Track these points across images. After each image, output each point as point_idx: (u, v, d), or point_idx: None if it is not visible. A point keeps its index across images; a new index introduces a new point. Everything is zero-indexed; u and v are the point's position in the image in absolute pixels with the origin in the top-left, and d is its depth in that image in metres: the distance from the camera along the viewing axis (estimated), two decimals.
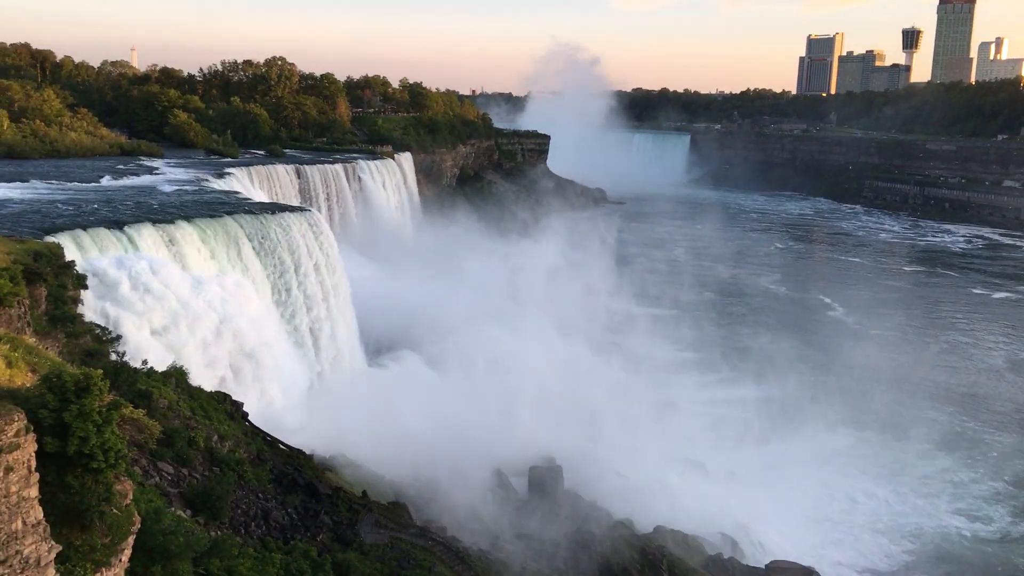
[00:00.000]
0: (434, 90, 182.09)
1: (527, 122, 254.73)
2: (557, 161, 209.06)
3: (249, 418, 36.87)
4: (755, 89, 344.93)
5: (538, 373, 59.12)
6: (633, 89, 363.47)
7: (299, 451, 36.53)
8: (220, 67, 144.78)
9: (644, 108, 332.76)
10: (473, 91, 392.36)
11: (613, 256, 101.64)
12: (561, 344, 67.86)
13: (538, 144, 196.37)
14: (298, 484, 32.84)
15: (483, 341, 63.50)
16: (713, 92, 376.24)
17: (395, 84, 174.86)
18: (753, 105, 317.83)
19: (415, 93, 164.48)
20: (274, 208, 58.27)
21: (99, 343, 32.45)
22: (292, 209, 59.03)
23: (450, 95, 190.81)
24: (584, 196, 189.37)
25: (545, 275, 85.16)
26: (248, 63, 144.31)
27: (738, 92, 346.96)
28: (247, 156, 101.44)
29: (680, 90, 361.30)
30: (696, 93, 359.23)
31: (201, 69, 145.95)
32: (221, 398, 36.29)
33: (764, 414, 67.12)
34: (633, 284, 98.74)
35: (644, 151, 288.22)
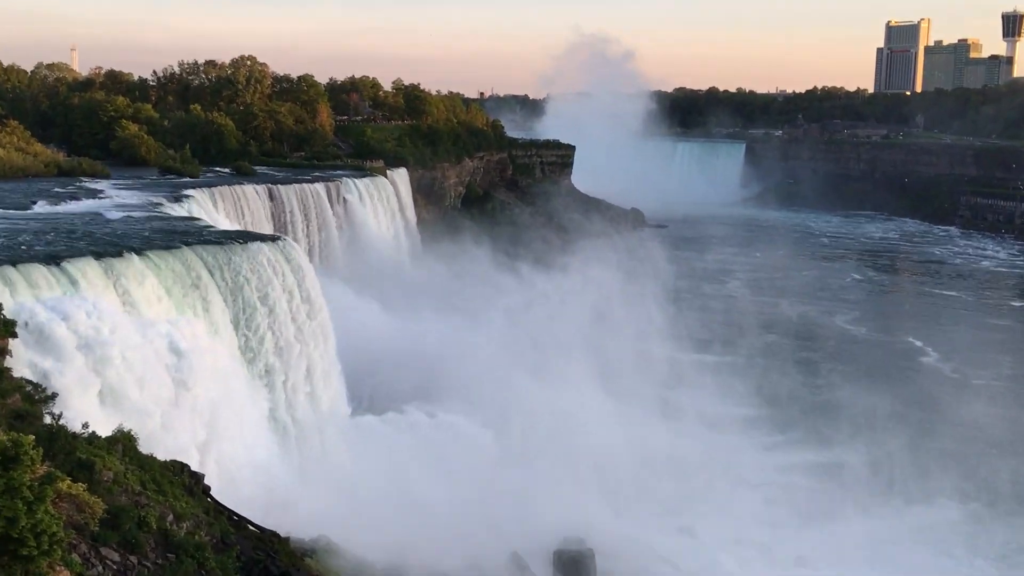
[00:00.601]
0: (434, 93, 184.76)
1: (547, 130, 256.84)
2: (584, 176, 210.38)
3: (211, 493, 36.78)
4: (824, 87, 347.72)
5: (573, 432, 59.12)
6: (675, 89, 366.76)
7: (272, 533, 36.35)
8: (177, 69, 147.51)
9: (689, 111, 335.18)
10: (481, 94, 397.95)
11: (656, 292, 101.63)
12: (596, 396, 67.92)
13: (561, 156, 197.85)
14: (271, 574, 32.63)
15: (505, 394, 63.68)
16: (772, 91, 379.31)
17: (387, 87, 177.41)
18: (822, 106, 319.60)
19: (411, 97, 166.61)
20: (242, 237, 58.65)
21: (30, 403, 32.62)
22: (264, 238, 59.43)
23: (454, 99, 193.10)
24: (618, 219, 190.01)
25: (575, 315, 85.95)
26: (211, 64, 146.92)
27: (803, 91, 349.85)
28: (210, 175, 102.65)
29: (732, 89, 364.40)
30: (752, 93, 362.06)
31: (155, 72, 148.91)
32: (178, 469, 36.24)
33: (841, 484, 66.40)
34: (682, 325, 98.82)
35: (690, 163, 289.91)
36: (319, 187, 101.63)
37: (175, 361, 42.91)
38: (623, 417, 67.57)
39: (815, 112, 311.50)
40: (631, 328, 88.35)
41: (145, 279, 46.38)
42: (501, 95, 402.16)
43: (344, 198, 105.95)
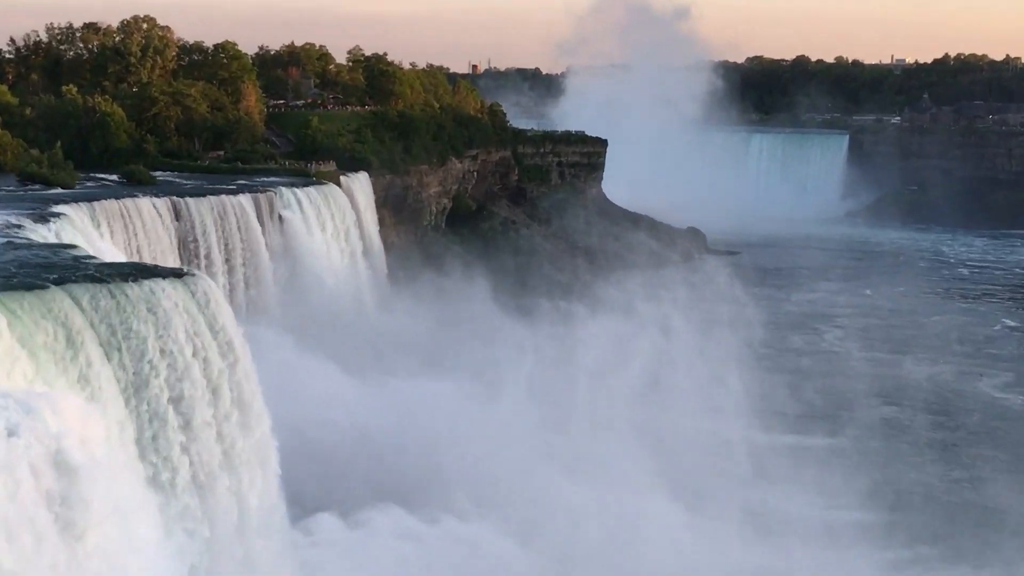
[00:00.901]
0: (407, 67, 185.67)
1: (567, 117, 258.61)
2: (620, 183, 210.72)
3: None
4: (958, 56, 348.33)
5: (627, 548, 58.85)
6: (749, 59, 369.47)
7: None
8: (44, 36, 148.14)
9: (769, 90, 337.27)
10: (474, 67, 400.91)
11: (728, 347, 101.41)
12: (654, 497, 67.61)
13: (587, 155, 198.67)
14: None
15: (530, 493, 63.51)
16: (886, 61, 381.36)
17: (341, 58, 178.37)
18: (956, 83, 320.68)
19: (375, 73, 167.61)
20: (135, 272, 58.37)
21: None
22: (166, 273, 59.13)
23: (435, 75, 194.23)
24: (670, 242, 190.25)
25: (617, 380, 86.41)
26: (92, 28, 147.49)
27: (929, 61, 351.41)
28: (90, 184, 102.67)
29: (829, 59, 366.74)
30: (856, 64, 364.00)
31: (12, 40, 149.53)
32: None
33: None
34: (766, 395, 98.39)
35: (770, 163, 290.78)
36: (245, 200, 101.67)
37: (41, 452, 41.53)
38: (693, 527, 67.04)
39: (947, 90, 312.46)
40: (695, 400, 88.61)
41: None
42: (502, 69, 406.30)
43: (280, 215, 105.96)
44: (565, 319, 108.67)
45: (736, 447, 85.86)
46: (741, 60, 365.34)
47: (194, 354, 54.72)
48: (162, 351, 53.31)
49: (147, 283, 55.33)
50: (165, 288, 55.47)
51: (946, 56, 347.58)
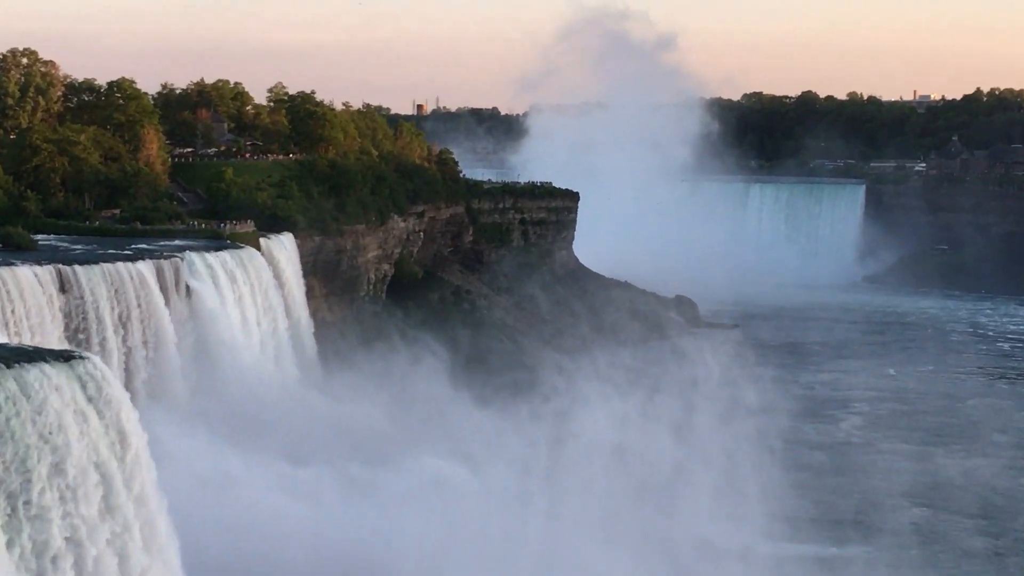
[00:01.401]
0: (339, 107, 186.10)
1: (531, 165, 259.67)
2: (594, 242, 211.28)
3: None
4: (992, 91, 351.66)
5: None
6: (747, 96, 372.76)
7: None
8: None
9: (771, 132, 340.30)
10: (420, 107, 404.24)
11: (726, 439, 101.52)
12: None
13: (554, 210, 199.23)
14: None
15: None
16: (908, 98, 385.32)
17: (260, 97, 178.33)
18: (990, 122, 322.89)
19: (301, 114, 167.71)
20: (12, 356, 58.03)
21: None
22: (49, 356, 58.71)
23: (373, 116, 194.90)
24: (656, 314, 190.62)
25: (600, 481, 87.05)
26: None
27: (958, 97, 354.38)
28: None
29: (841, 95, 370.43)
30: (873, 101, 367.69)
31: None
32: None
33: None
34: (774, 496, 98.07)
35: (774, 218, 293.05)
36: (145, 268, 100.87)
37: None
38: None
39: (980, 131, 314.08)
40: (702, 503, 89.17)
41: None
42: (452, 109, 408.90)
43: (188, 286, 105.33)
44: (534, 408, 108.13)
45: (740, 559, 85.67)
46: (738, 97, 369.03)
47: (82, 451, 54.21)
48: (45, 451, 52.77)
49: (25, 369, 54.87)
50: (48, 374, 55.02)
51: (978, 92, 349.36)
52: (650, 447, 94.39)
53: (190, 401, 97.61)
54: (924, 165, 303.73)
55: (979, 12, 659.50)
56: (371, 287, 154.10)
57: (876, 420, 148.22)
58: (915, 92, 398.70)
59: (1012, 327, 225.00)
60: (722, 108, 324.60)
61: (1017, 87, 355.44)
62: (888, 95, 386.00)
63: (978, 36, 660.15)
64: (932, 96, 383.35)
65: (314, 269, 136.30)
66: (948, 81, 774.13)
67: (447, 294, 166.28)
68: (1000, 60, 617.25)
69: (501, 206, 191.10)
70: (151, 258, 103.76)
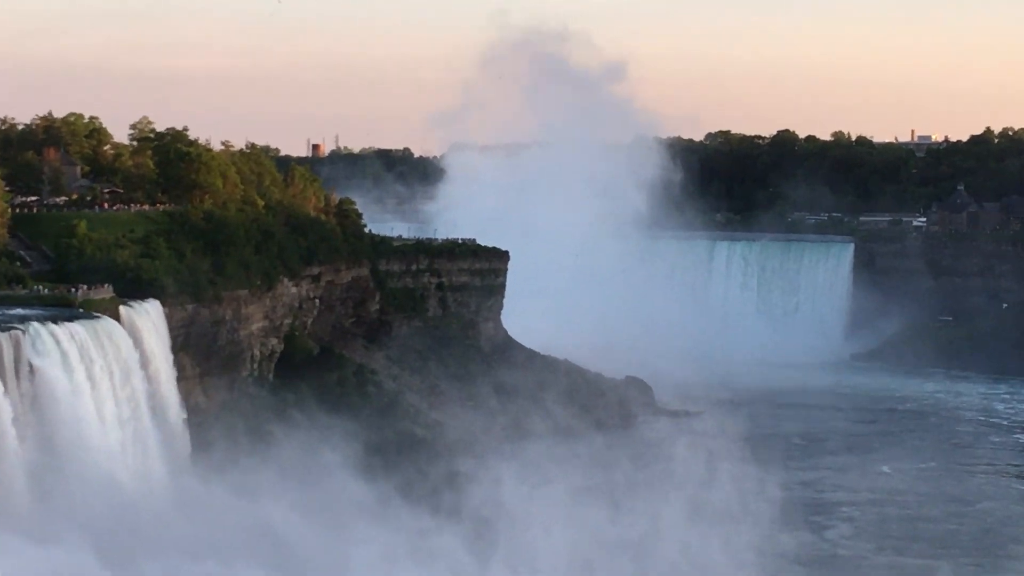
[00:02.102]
0: (218, 147, 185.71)
1: (450, 218, 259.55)
2: (527, 312, 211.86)
3: None
4: (1005, 131, 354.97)
5: None
6: (711, 136, 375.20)
7: None
8: None
9: (740, 179, 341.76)
10: (316, 147, 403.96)
11: (695, 554, 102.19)
12: None
13: (479, 272, 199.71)
14: None
15: None
16: (904, 139, 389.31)
17: (121, 135, 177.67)
18: (1002, 169, 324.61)
19: (171, 155, 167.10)
20: None
21: None
22: None
23: (259, 158, 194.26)
24: (601, 398, 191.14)
25: None
26: None
27: (964, 138, 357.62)
28: None
29: (824, 136, 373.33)
30: (863, 142, 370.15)
31: None
32: None
33: None
34: None
35: (743, 283, 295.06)
36: None
37: None
38: None
39: (991, 179, 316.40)
40: None
41: None
42: (355, 150, 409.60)
43: (31, 364, 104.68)
44: (454, 510, 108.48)
45: None
46: (701, 137, 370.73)
47: None
48: None
49: None
50: None
51: (988, 132, 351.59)
52: (600, 563, 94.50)
53: (30, 512, 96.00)
54: (924, 219, 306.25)
55: (988, 39, 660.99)
56: (256, 366, 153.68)
57: (868, 528, 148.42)
58: (913, 132, 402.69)
59: None
60: (683, 150, 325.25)
61: None
62: (881, 135, 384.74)
63: (987, 67, 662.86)
64: (933, 137, 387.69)
65: (186, 344, 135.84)
66: (952, 119, 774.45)
67: (348, 374, 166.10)
68: (1013, 95, 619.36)
69: (414, 268, 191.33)
70: None
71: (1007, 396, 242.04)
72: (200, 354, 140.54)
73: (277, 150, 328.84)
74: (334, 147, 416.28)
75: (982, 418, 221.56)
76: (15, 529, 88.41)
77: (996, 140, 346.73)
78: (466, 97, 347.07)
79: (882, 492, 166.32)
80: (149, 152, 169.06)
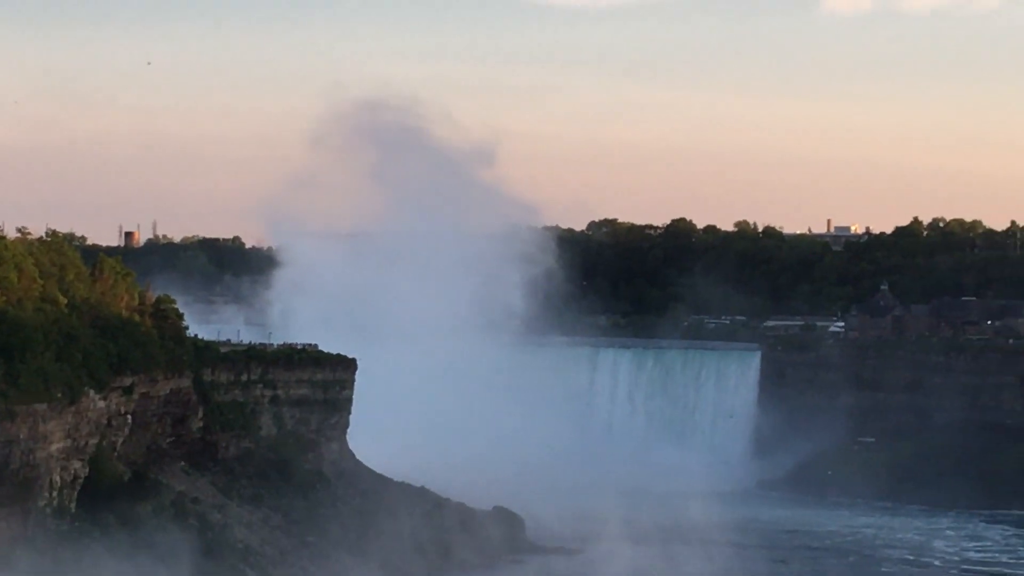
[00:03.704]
0: (13, 234, 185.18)
1: (287, 319, 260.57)
2: (377, 431, 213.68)
3: None
4: (935, 221, 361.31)
5: None
6: (594, 225, 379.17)
7: None
8: None
9: (627, 276, 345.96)
10: (130, 235, 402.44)
11: None
12: None
13: (322, 384, 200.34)
14: None
15: None
16: (819, 231, 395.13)
17: None
18: (933, 265, 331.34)
19: None
20: None
21: None
22: None
23: (62, 248, 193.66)
24: (463, 533, 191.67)
25: None
26: None
27: (889, 231, 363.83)
28: None
29: (726, 226, 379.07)
30: (771, 233, 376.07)
31: None
32: None
33: None
34: None
35: (631, 398, 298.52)
36: None
37: None
38: None
39: (919, 278, 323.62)
40: None
41: None
42: (176, 239, 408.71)
43: None
44: None
45: None
46: (582, 226, 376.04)
47: None
48: None
49: None
50: None
51: (916, 223, 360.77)
52: None
53: None
54: (842, 324, 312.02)
55: (915, 118, 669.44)
56: (55, 495, 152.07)
57: None
58: (829, 222, 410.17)
59: (974, 555, 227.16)
60: (561, 241, 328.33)
61: (968, 217, 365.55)
62: (792, 226, 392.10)
63: (915, 149, 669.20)
64: (853, 228, 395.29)
65: None
66: (875, 209, 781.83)
67: (165, 504, 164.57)
68: (944, 181, 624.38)
69: (244, 378, 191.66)
70: None
71: (948, 532, 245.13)
72: None
73: (83, 238, 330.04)
74: (151, 235, 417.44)
75: (917, 558, 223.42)
76: None
77: (925, 233, 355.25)
78: (302, 179, 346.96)
79: None
80: None
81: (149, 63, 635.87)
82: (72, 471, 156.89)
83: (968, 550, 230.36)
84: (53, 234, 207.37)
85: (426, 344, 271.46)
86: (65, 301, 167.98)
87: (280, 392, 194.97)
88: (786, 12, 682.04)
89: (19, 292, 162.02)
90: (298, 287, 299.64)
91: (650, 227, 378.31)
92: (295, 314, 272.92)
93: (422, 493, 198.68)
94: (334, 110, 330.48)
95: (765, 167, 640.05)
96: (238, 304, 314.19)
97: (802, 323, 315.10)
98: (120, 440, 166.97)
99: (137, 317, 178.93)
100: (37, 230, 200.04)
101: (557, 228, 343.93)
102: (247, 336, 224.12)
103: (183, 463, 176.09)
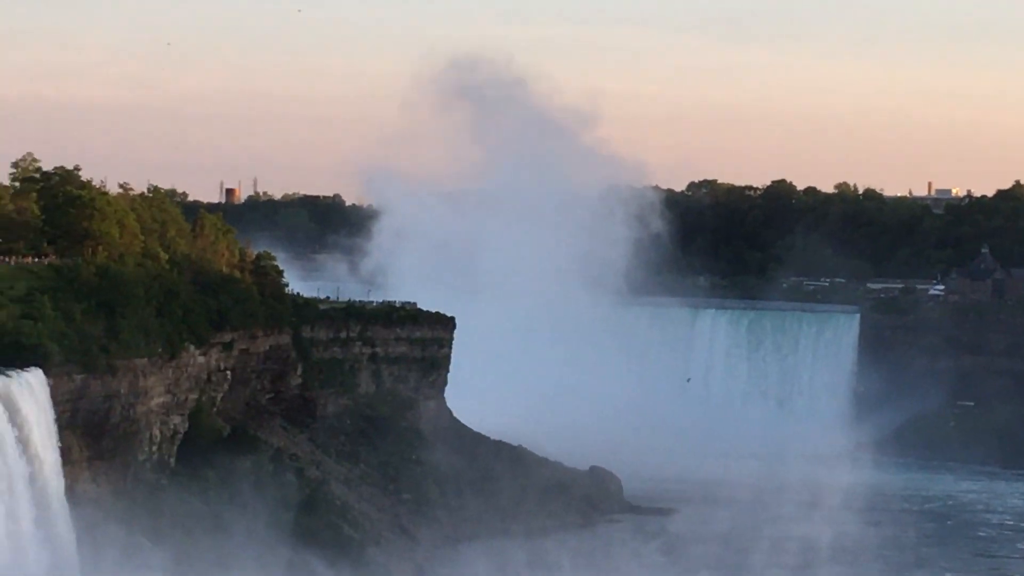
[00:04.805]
0: (115, 190, 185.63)
1: (387, 277, 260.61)
2: (475, 389, 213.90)
3: None
4: None
5: None
6: (695, 186, 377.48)
7: None
8: None
9: (727, 238, 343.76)
10: (231, 192, 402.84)
11: None
12: None
13: (420, 342, 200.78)
14: None
15: None
16: (920, 194, 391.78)
17: (1, 175, 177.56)
18: None
19: (59, 199, 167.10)
20: None
21: None
22: None
23: (163, 204, 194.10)
24: (559, 493, 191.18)
25: None
26: None
27: (990, 193, 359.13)
28: None
29: (826, 188, 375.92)
30: (871, 196, 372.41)
31: None
32: None
33: None
34: None
35: (730, 359, 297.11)
36: None
37: None
38: None
39: (1020, 241, 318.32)
40: None
41: None
42: (276, 196, 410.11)
43: None
44: None
45: None
46: (682, 187, 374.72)
47: None
48: None
49: None
50: None
51: (1017, 186, 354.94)
52: None
53: None
54: (942, 287, 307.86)
55: (1019, 81, 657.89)
56: (155, 449, 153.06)
57: None
58: (930, 185, 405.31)
59: None
60: (662, 201, 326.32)
61: None
62: (893, 188, 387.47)
63: (1018, 113, 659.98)
64: (954, 191, 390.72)
65: (73, 422, 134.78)
66: (976, 171, 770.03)
67: (263, 460, 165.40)
68: None
69: (343, 336, 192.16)
70: None
71: None
72: (89, 434, 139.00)
73: (185, 195, 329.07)
74: (251, 192, 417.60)
75: (1010, 521, 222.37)
76: None
77: None
78: (400, 136, 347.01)
79: None
80: (33, 195, 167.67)
81: (299, 10, 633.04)
82: (172, 426, 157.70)
83: None
84: (155, 190, 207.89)
85: (524, 303, 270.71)
86: (166, 257, 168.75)
87: (379, 349, 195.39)
88: None
89: (121, 247, 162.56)
90: (398, 242, 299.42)
91: (750, 188, 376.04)
92: (395, 269, 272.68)
93: (520, 452, 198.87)
94: (432, 68, 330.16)
95: (866, 129, 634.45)
96: (338, 261, 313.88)
97: (901, 286, 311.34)
98: (219, 396, 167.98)
99: (237, 273, 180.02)
100: (139, 186, 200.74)
101: (656, 188, 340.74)
102: (346, 293, 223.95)
103: (281, 419, 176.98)
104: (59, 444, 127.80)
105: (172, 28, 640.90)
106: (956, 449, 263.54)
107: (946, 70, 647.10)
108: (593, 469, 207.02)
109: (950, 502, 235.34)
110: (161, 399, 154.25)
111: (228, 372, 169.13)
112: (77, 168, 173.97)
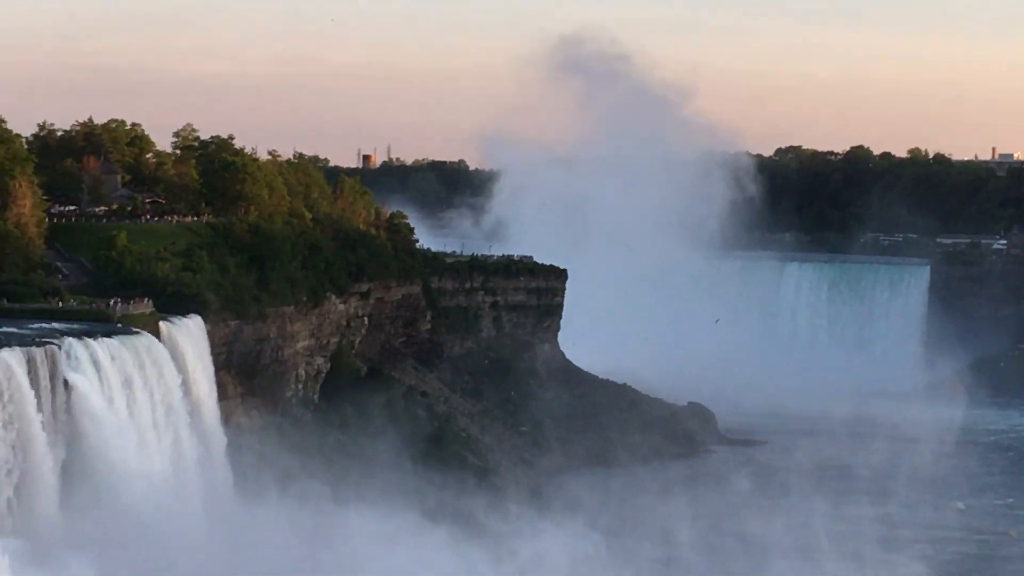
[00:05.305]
0: (265, 156, 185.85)
1: (506, 234, 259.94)
2: (585, 334, 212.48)
3: None
4: None
5: None
6: (781, 151, 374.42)
7: None
8: None
9: (810, 198, 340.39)
10: (367, 158, 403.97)
11: None
12: None
13: (536, 291, 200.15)
14: None
15: None
16: (985, 158, 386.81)
17: (164, 143, 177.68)
18: None
19: (216, 165, 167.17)
20: None
21: None
22: None
23: (307, 169, 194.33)
24: (661, 426, 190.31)
25: None
26: None
27: None
28: None
29: (900, 153, 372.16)
30: (941, 160, 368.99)
31: None
32: None
33: None
34: None
35: (812, 307, 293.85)
36: (11, 357, 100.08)
37: None
38: None
39: None
40: None
41: None
42: (408, 161, 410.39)
43: (66, 381, 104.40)
44: (514, 550, 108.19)
45: None
46: (770, 152, 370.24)
47: None
48: None
49: None
50: None
51: None
52: None
53: (63, 530, 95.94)
54: (1005, 242, 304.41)
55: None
56: (301, 387, 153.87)
57: (943, 567, 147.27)
58: (994, 150, 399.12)
59: None
60: (752, 166, 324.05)
61: None
62: (960, 153, 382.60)
63: None
64: (1016, 155, 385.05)
65: (228, 363, 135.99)
66: None
67: (397, 397, 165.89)
68: None
69: (467, 286, 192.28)
70: (19, 345, 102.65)
71: None
72: (243, 374, 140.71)
73: (326, 160, 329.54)
74: (386, 158, 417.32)
75: None
76: (44, 553, 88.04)
77: None
78: (520, 109, 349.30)
79: (958, 530, 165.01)
80: (193, 161, 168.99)
81: None
82: (315, 366, 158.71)
83: None
84: (300, 156, 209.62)
85: (627, 259, 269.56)
86: (310, 216, 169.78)
87: (499, 298, 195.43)
88: None
89: (270, 208, 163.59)
90: (516, 201, 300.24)
91: (832, 153, 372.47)
92: (513, 225, 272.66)
93: (625, 389, 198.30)
94: (544, 46, 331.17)
95: (936, 99, 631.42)
96: (463, 219, 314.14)
97: (968, 241, 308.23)
98: (358, 339, 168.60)
99: (373, 231, 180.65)
100: (286, 153, 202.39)
101: (747, 154, 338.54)
102: (470, 248, 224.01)
103: (412, 360, 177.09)
104: (216, 382, 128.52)
105: (317, 9, 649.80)
106: (1017, 388, 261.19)
107: (1010, 45, 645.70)
108: (691, 405, 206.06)
109: (1012, 435, 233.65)
110: (306, 342, 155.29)
111: (365, 318, 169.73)
112: (231, 137, 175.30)
